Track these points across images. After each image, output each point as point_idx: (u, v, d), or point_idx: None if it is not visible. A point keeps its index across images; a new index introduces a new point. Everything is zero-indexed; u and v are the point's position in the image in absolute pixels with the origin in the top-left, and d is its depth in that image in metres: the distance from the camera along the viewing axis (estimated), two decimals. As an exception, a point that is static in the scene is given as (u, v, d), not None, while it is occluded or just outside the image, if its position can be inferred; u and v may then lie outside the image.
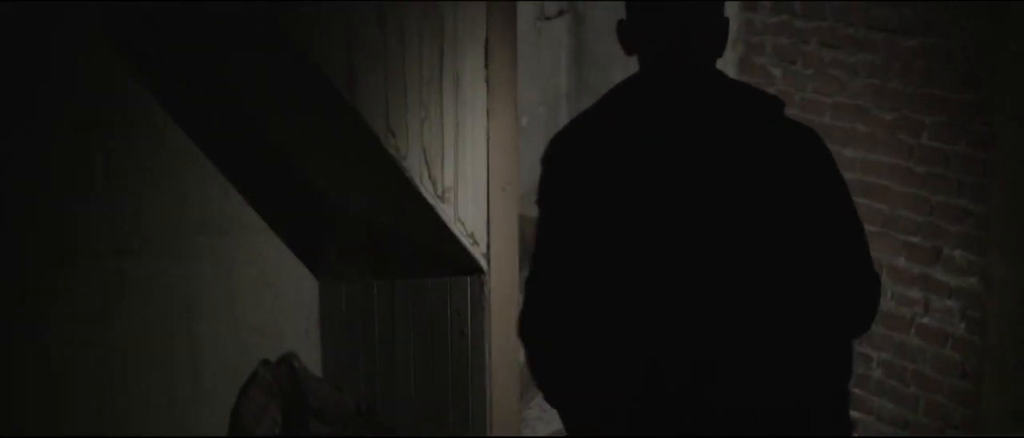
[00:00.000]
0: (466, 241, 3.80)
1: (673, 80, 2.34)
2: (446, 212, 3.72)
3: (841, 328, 2.38)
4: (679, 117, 2.32)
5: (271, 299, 4.00)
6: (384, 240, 4.00)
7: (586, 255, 2.34)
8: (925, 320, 4.76)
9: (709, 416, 2.31)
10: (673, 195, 2.29)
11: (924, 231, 4.71)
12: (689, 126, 2.30)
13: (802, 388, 2.34)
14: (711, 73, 2.36)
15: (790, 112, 2.46)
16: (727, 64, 4.98)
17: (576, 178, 2.36)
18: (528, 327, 2.45)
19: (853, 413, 2.51)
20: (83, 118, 3.29)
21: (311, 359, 4.13)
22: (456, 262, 3.86)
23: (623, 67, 5.36)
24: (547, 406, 2.95)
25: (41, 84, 3.17)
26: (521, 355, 4.20)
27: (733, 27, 4.78)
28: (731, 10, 4.69)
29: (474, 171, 3.77)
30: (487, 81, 3.74)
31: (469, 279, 3.89)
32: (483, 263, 3.85)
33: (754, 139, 2.29)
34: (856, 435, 2.22)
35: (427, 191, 3.65)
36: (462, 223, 3.78)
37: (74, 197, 3.30)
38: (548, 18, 5.35)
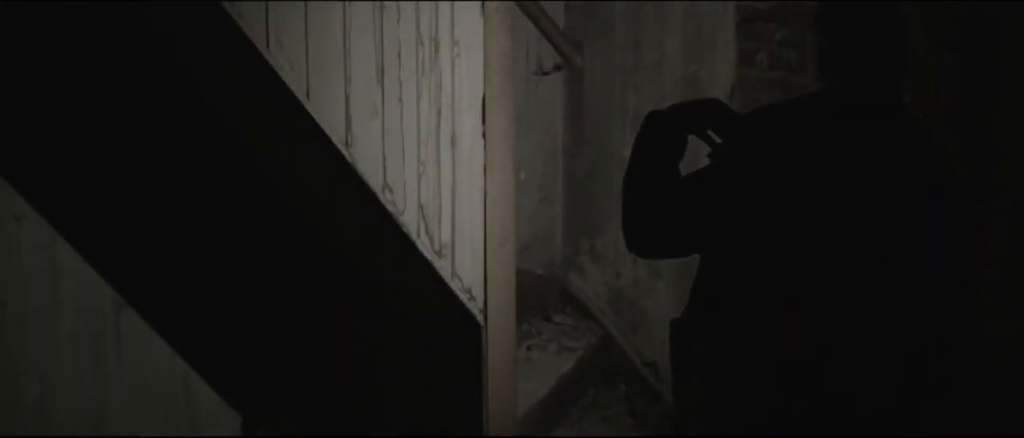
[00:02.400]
0: (463, 297, 3.79)
1: (864, 103, 2.56)
2: (443, 268, 3.72)
3: (942, 334, 2.62)
4: (860, 142, 2.53)
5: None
6: (381, 295, 4.00)
7: (733, 227, 2.51)
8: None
9: (825, 404, 2.51)
10: (837, 211, 2.50)
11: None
12: (866, 151, 2.53)
13: (908, 388, 2.58)
14: (897, 103, 2.59)
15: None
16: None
17: (756, 164, 2.52)
18: (636, 222, 2.63)
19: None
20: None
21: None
22: (453, 318, 3.85)
23: (620, 120, 5.38)
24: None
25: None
26: (517, 412, 4.19)
27: (727, 83, 4.80)
28: (725, 66, 4.72)
29: (472, 227, 3.77)
30: (485, 137, 3.75)
31: (466, 335, 3.88)
32: (480, 319, 3.85)
33: (919, 176, 2.57)
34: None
35: (424, 247, 3.66)
36: (459, 278, 3.78)
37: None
38: (545, 73, 5.37)
